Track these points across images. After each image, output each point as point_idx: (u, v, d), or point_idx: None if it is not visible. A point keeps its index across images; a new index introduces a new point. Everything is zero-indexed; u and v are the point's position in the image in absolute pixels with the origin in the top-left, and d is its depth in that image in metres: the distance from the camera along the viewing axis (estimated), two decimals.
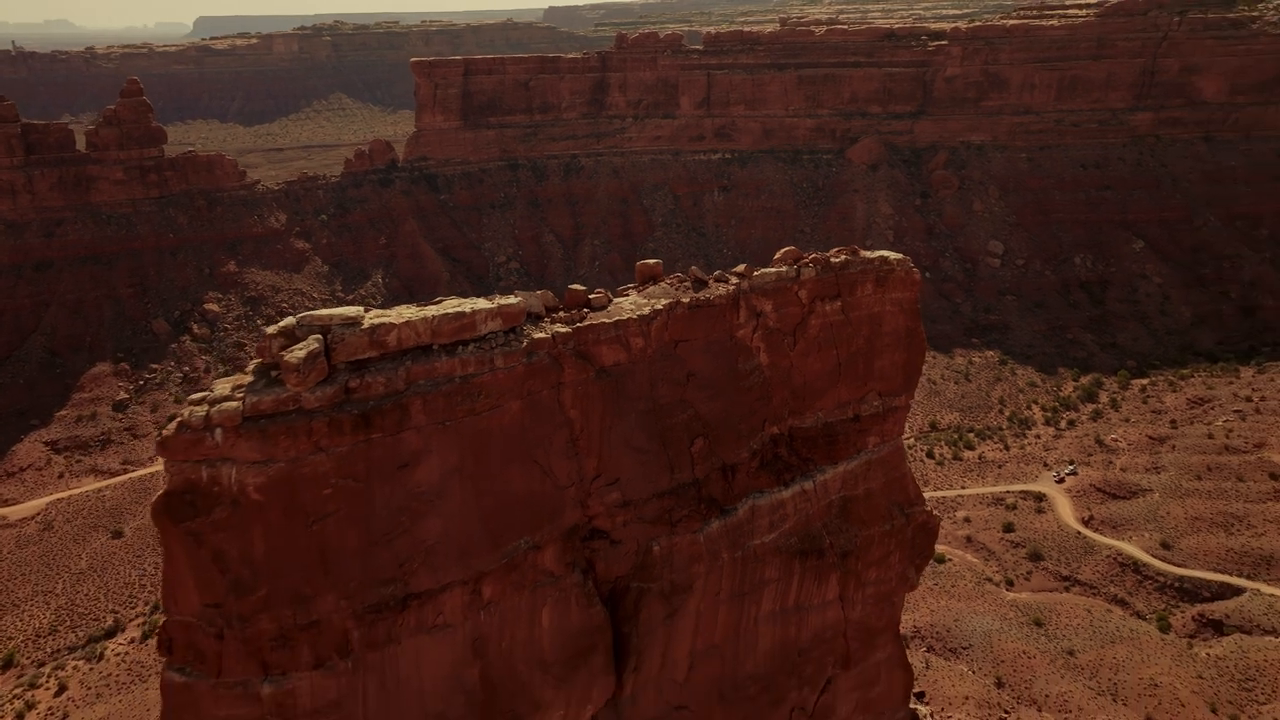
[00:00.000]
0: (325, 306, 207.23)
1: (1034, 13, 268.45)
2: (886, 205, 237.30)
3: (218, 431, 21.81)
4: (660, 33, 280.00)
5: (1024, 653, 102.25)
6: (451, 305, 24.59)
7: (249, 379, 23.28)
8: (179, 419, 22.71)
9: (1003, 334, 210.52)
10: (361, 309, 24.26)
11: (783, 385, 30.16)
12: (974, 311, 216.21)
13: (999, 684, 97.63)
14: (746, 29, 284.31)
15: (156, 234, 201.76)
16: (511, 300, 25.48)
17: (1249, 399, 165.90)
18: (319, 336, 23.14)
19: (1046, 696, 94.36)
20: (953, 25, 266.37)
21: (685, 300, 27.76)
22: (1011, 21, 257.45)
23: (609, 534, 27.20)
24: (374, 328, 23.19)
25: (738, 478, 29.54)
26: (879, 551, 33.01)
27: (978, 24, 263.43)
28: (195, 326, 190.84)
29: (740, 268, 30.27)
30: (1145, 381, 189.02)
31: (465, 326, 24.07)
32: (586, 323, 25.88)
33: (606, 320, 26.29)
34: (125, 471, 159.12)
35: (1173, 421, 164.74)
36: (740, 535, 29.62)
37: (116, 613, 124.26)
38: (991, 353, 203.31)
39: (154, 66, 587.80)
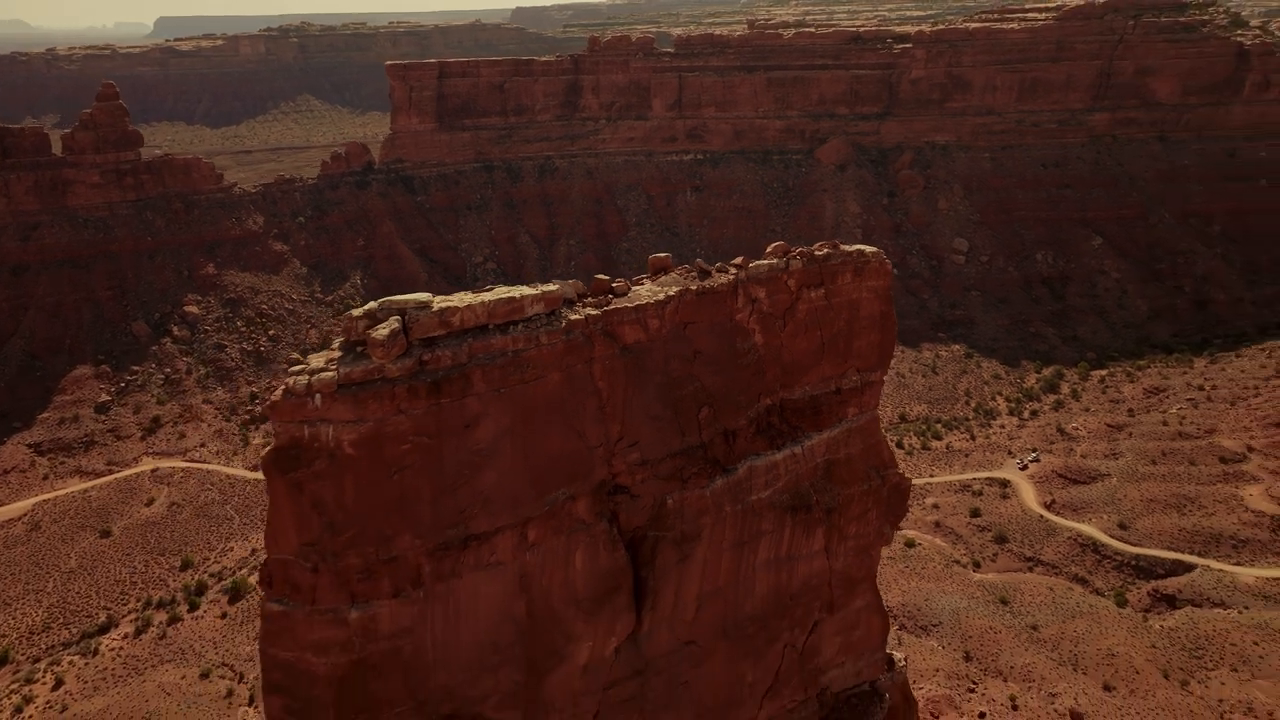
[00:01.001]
0: (304, 308, 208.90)
1: (995, 16, 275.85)
2: (855, 204, 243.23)
3: (317, 397, 25.71)
4: (631, 36, 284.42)
5: (990, 628, 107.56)
6: (502, 292, 28.74)
7: (337, 354, 27.14)
8: (284, 386, 26.51)
9: (968, 329, 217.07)
10: (430, 295, 28.33)
11: (774, 362, 34.50)
12: (940, 307, 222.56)
13: (967, 657, 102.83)
14: (716, 32, 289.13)
15: (134, 237, 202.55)
16: (552, 287, 29.70)
17: (1201, 388, 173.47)
18: (398, 317, 27.16)
19: (1011, 668, 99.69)
20: (917, 28, 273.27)
21: (693, 288, 32.05)
22: (974, 25, 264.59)
23: (630, 489, 31.37)
24: (442, 310, 27.23)
25: (737, 442, 33.86)
26: (858, 508, 37.50)
27: (941, 27, 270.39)
28: (175, 328, 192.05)
29: (738, 260, 34.72)
30: (1104, 372, 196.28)
31: (515, 309, 28.24)
32: (612, 306, 30.08)
33: (628, 305, 30.49)
34: (110, 472, 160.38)
35: (1130, 410, 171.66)
36: (740, 491, 33.92)
37: (109, 609, 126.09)
38: (957, 347, 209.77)
39: (117, 68, 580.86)
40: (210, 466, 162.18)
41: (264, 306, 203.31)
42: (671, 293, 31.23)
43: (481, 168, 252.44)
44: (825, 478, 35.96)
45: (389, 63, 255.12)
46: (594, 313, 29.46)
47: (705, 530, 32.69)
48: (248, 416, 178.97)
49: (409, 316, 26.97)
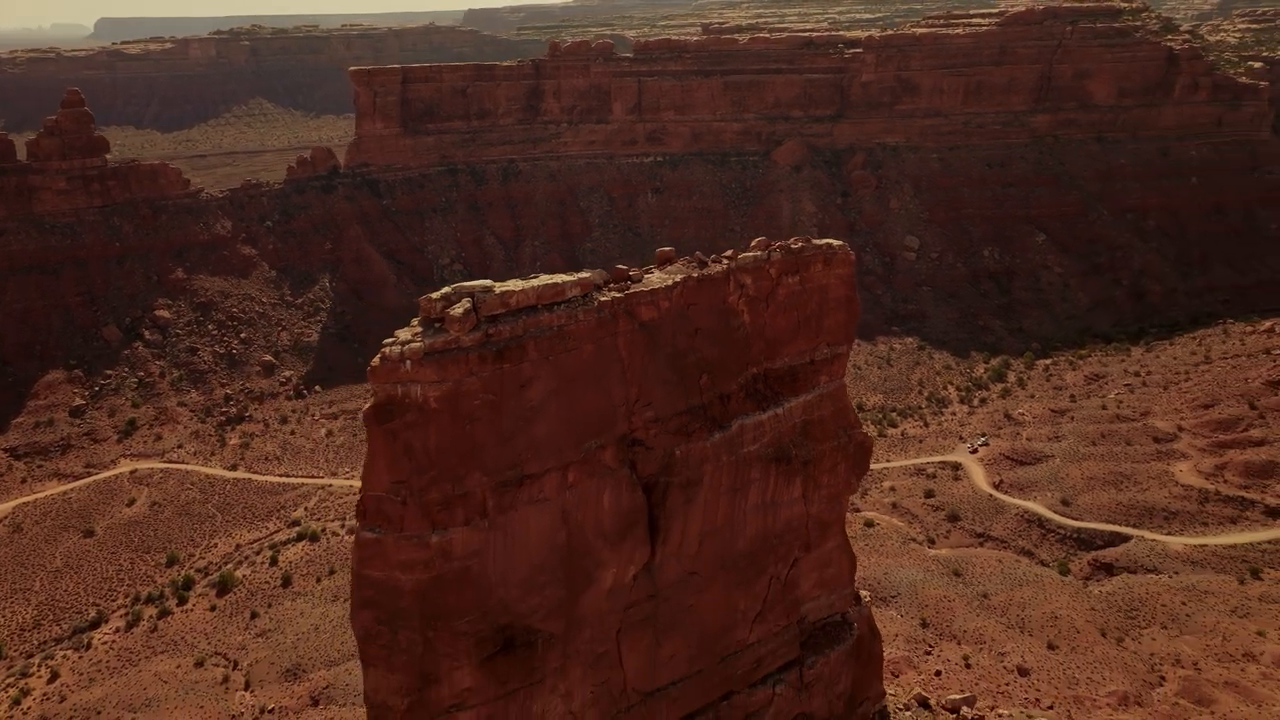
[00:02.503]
0: (275, 311, 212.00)
1: (941, 21, 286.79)
2: (810, 204, 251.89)
3: (408, 363, 31.48)
4: (586, 37, 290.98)
5: (945, 598, 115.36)
6: (547, 279, 34.75)
7: (419, 330, 32.94)
8: (381, 354, 32.18)
9: (920, 322, 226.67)
10: (491, 281, 34.18)
11: (759, 337, 40.83)
12: (893, 302, 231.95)
13: (924, 624, 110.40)
14: (673, 37, 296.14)
15: (102, 243, 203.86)
16: (586, 275, 35.86)
17: (1137, 374, 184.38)
18: (469, 299, 32.97)
19: (964, 632, 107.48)
20: (867, 34, 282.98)
21: (694, 275, 38.28)
22: (921, 30, 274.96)
23: (645, 442, 37.42)
24: (503, 293, 33.16)
25: (731, 404, 40.14)
26: (830, 462, 44.00)
27: (890, 33, 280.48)
28: (147, 332, 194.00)
29: (729, 252, 41.09)
30: (1048, 362, 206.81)
31: (558, 292, 34.29)
32: (631, 290, 36.19)
33: (644, 289, 36.61)
34: (88, 474, 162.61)
35: (1072, 396, 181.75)
36: (734, 445, 40.21)
37: (98, 605, 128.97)
38: (910, 339, 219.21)
39: (62, 71, 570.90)
40: (189, 467, 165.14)
41: (235, 310, 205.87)
42: (677, 279, 37.50)
43: (446, 171, 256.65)
44: (802, 435, 42.50)
45: (353, 68, 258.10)
46: (618, 295, 35.60)
47: (706, 477, 38.99)
48: (223, 418, 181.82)
49: (477, 298, 32.91)
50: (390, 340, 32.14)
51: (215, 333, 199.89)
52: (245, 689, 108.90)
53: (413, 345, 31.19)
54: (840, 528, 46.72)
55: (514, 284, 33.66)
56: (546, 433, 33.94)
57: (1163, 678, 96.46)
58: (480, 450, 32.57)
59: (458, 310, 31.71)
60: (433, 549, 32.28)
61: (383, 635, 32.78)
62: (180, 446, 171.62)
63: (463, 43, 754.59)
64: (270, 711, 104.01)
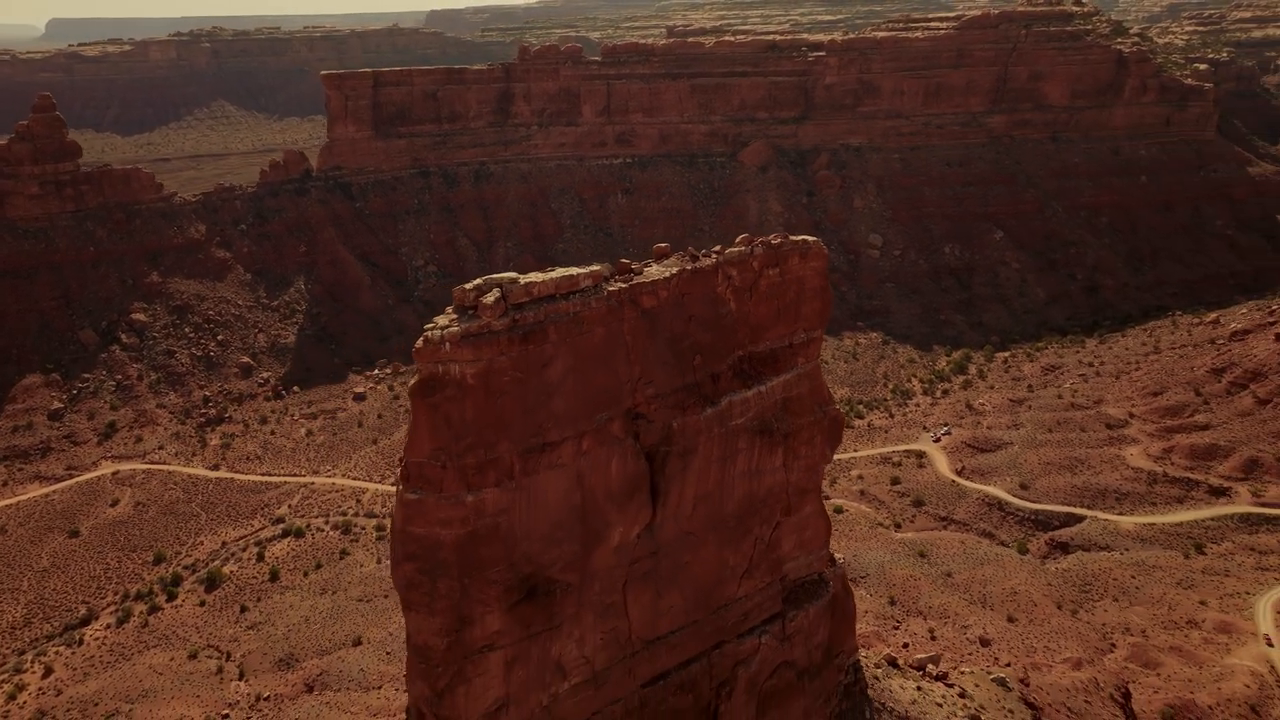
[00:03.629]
0: (251, 313, 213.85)
1: (901, 25, 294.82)
2: (777, 204, 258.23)
3: (447, 344, 35.86)
4: (549, 36, 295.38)
5: (911, 577, 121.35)
6: (563, 271, 39.33)
7: (454, 317, 37.32)
8: (424, 338, 36.45)
9: (884, 317, 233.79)
10: (516, 274, 38.65)
11: (744, 323, 45.63)
12: (858, 298, 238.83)
13: (892, 602, 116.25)
14: (641, 41, 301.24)
15: (76, 247, 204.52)
16: (596, 268, 40.47)
17: (1091, 364, 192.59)
18: (499, 289, 37.42)
19: (930, 607, 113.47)
20: (830, 37, 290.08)
21: (688, 268, 43.02)
22: (881, 34, 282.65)
23: (647, 415, 41.98)
24: (527, 284, 37.64)
25: (721, 382, 44.87)
26: (807, 435, 48.95)
27: (852, 36, 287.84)
28: (124, 336, 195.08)
29: (717, 248, 45.96)
30: (1007, 354, 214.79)
31: (573, 283, 38.90)
32: (635, 281, 40.80)
33: (646, 280, 41.27)
34: (70, 476, 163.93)
35: (1029, 386, 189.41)
36: (724, 419, 44.96)
37: (87, 603, 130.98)
38: (875, 334, 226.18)
39: (18, 74, 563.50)
40: (171, 467, 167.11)
41: (211, 313, 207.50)
42: (673, 271, 42.20)
43: (418, 174, 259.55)
44: (783, 410, 47.39)
45: (324, 73, 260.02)
46: (624, 285, 40.19)
47: (699, 447, 43.71)
48: (203, 419, 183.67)
49: (505, 288, 37.39)
50: (430, 325, 36.53)
51: (192, 335, 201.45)
52: (240, 679, 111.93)
53: (451, 329, 35.62)
54: (817, 495, 51.81)
55: (535, 276, 38.24)
56: (564, 406, 38.51)
57: (1113, 645, 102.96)
58: (508, 421, 37.08)
59: (489, 298, 36.21)
60: (468, 507, 36.76)
61: (424, 584, 37.17)
62: (161, 448, 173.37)
63: (427, 44, 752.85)
64: (266, 699, 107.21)
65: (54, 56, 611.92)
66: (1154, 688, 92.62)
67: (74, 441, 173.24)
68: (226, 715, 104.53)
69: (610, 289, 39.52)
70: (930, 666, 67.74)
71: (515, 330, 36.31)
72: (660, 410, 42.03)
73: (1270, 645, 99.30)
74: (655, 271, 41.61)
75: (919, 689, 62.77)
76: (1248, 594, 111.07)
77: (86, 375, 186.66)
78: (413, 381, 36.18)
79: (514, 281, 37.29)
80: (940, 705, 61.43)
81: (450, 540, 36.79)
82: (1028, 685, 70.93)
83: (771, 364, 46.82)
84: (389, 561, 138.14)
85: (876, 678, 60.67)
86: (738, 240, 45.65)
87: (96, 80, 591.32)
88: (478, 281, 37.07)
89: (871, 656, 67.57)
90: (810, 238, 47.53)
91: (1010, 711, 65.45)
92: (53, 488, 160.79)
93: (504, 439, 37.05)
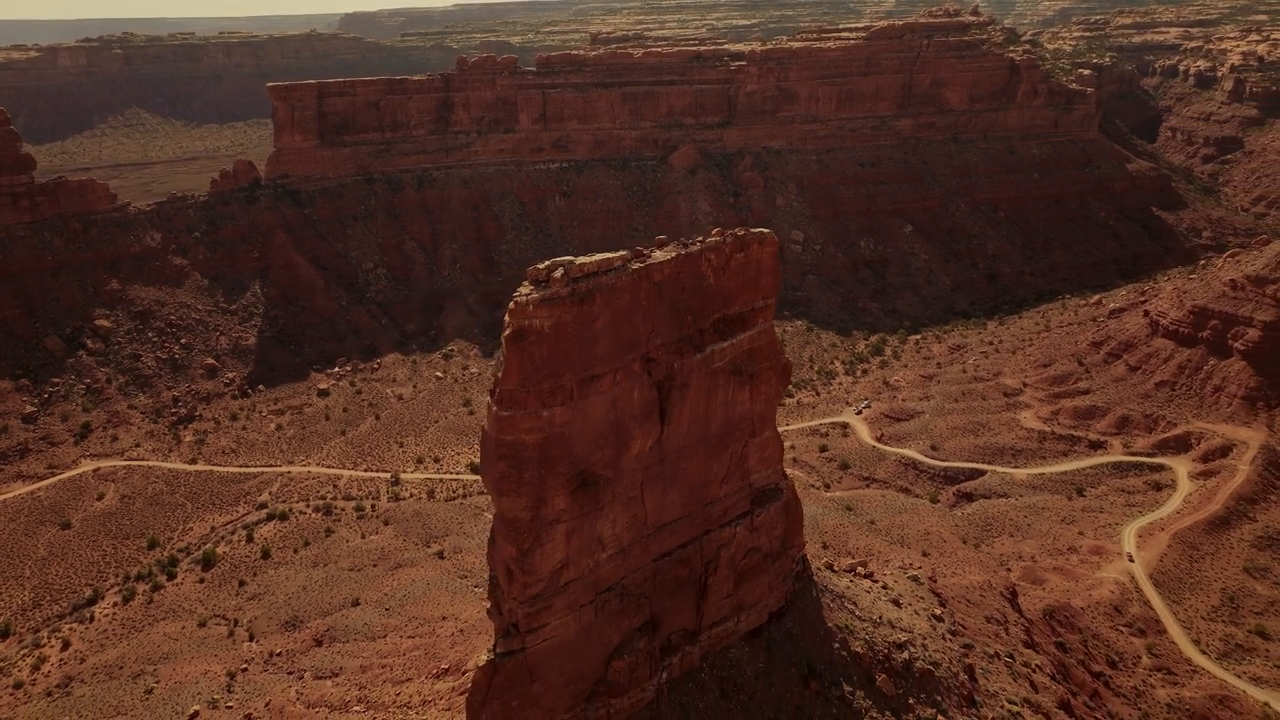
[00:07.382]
0: (211, 317, 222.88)
1: (814, 36, 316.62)
2: (706, 203, 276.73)
3: (531, 305, 51.09)
4: (490, 54, 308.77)
5: (840, 525, 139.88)
6: (602, 256, 54.87)
7: (531, 287, 52.49)
8: (515, 301, 51.41)
9: (808, 307, 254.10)
10: (573, 256, 54.01)
11: (720, 293, 61.69)
12: (784, 290, 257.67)
13: (825, 546, 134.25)
14: (574, 52, 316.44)
15: (34, 257, 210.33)
16: (624, 252, 56.16)
17: (991, 343, 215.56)
18: (563, 268, 52.75)
19: (857, 548, 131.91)
20: (750, 47, 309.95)
21: (682, 253, 58.97)
22: (797, 44, 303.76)
23: (656, 359, 58.04)
24: (581, 263, 53.05)
25: (706, 335, 60.91)
26: (766, 376, 65.50)
27: (770, 46, 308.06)
28: (89, 341, 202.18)
29: (699, 237, 62.11)
30: (918, 337, 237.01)
31: (610, 264, 54.22)
32: (648, 262, 56.65)
33: (655, 261, 56.98)
34: (52, 474, 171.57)
35: (938, 364, 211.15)
36: (708, 362, 61.00)
37: (92, 585, 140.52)
38: (800, 322, 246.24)
39: None
40: (151, 463, 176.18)
41: (173, 317, 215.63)
42: (672, 255, 58.24)
43: (363, 180, 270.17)
44: (749, 357, 63.81)
45: (271, 84, 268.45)
46: (640, 265, 56.06)
47: (692, 382, 59.76)
48: (174, 418, 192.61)
49: (567, 266, 52.89)
50: (518, 293, 51.71)
51: (156, 339, 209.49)
52: (250, 640, 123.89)
53: (533, 296, 50.88)
54: (773, 423, 68.41)
55: (584, 258, 53.73)
56: (604, 350, 53.96)
57: (1009, 569, 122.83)
58: (570, 359, 52.28)
59: (559, 273, 51.70)
60: (543, 420, 51.90)
61: (514, 475, 52.23)
62: (138, 445, 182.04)
63: (345, 49, 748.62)
64: (278, 655, 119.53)
65: None
66: (1039, 597, 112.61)
67: (51, 442, 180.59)
68: (245, 668, 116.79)
69: (634, 266, 55.48)
70: (859, 569, 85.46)
71: (574, 296, 51.77)
72: (665, 355, 58.03)
73: (1131, 561, 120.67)
74: (660, 255, 57.64)
75: (851, 582, 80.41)
76: (1117, 525, 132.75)
77: (56, 380, 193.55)
78: (506, 332, 51.29)
79: (571, 262, 52.94)
80: (868, 592, 79.11)
81: (532, 443, 52.08)
82: (935, 583, 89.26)
83: (740, 323, 63.34)
84: (374, 536, 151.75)
85: (819, 570, 77.99)
86: (713, 232, 62.08)
87: (3, 87, 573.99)
88: (547, 263, 52.56)
89: (814, 564, 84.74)
90: (765, 230, 64.10)
91: (922, 598, 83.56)
92: (37, 485, 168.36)
93: (567, 371, 52.44)
